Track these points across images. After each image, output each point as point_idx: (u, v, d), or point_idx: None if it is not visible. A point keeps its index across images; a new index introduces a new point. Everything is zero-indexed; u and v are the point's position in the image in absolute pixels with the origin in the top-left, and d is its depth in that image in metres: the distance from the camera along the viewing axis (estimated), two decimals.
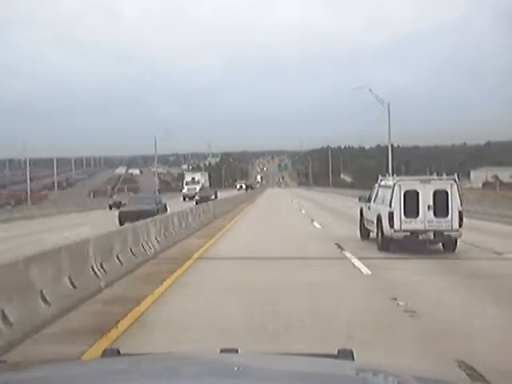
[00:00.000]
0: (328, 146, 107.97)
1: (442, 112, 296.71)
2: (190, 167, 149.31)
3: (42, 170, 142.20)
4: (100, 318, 6.97)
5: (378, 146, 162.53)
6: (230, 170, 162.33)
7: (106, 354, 2.18)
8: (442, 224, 13.05)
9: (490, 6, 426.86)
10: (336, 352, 2.15)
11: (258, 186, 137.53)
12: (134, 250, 11.26)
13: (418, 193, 13.18)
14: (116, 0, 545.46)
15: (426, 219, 13.07)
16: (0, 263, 6.22)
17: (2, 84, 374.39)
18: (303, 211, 31.65)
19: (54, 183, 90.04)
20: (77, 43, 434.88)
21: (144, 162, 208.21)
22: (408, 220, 13.12)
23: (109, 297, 8.30)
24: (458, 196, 13.17)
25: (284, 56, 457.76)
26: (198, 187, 58.97)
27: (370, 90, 40.05)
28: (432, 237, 13.11)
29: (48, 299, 6.76)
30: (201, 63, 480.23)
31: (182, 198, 56.96)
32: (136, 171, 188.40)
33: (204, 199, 39.95)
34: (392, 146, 43.92)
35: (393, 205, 13.24)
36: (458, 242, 13.34)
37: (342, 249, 13.92)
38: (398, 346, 5.69)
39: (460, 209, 13.13)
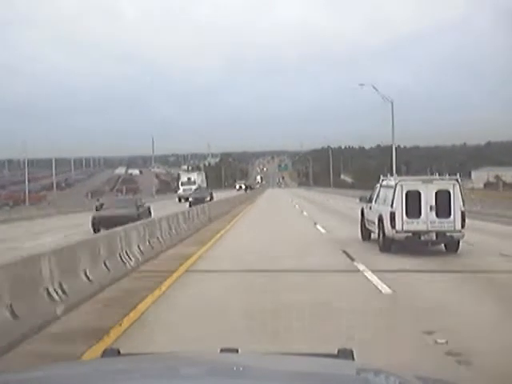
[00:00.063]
0: (328, 146, 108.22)
1: (443, 112, 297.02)
2: (190, 167, 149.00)
3: (42, 170, 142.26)
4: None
5: (379, 146, 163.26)
6: (230, 171, 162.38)
7: (106, 353, 2.17)
8: (444, 225, 12.87)
9: (490, 5, 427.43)
10: (336, 352, 2.15)
11: (258, 186, 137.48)
12: (108, 262, 9.69)
13: (420, 193, 12.99)
14: (116, 0, 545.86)
15: (428, 220, 12.87)
16: None
17: (2, 84, 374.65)
18: (305, 213, 31.40)
19: (52, 184, 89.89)
20: (77, 43, 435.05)
21: (144, 162, 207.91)
22: (410, 220, 12.93)
23: (62, 329, 6.55)
24: (460, 196, 13.00)
25: (284, 56, 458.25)
26: (194, 188, 56.27)
27: (374, 88, 39.84)
28: (434, 237, 12.93)
29: None
30: (201, 63, 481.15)
31: (177, 200, 55.35)
32: (136, 171, 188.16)
33: (199, 201, 38.09)
34: (394, 145, 43.75)
35: (394, 205, 13.06)
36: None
37: (352, 259, 12.29)
38: None
39: (462, 209, 12.97)
